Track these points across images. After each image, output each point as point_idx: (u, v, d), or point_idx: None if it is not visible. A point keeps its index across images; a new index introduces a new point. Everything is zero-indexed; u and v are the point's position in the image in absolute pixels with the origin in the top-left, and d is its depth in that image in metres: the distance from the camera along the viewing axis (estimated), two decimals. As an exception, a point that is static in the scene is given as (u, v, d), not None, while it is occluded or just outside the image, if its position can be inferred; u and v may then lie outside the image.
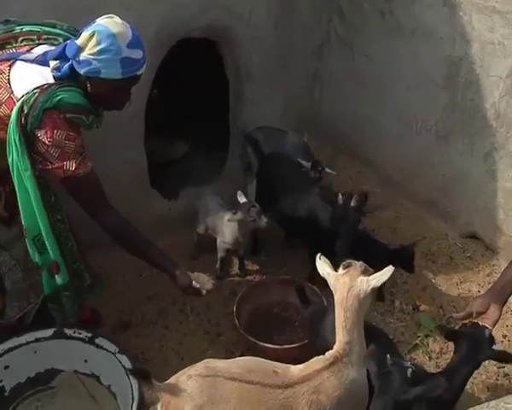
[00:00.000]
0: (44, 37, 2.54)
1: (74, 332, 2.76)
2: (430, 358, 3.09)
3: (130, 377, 2.57)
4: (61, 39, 2.53)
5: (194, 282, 2.69)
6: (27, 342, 2.72)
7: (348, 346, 2.20)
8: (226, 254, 3.54)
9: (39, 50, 2.47)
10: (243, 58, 4.00)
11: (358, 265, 2.26)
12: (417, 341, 3.17)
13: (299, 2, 4.13)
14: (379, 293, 3.33)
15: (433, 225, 4.03)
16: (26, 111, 2.27)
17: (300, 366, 2.27)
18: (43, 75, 2.38)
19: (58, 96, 2.31)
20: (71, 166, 2.37)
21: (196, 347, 3.13)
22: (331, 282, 2.27)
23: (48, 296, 2.75)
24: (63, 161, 2.36)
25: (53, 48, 2.46)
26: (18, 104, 2.29)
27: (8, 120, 2.33)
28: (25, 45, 2.51)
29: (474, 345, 2.30)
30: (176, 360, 3.04)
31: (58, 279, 2.66)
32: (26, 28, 2.54)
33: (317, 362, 2.23)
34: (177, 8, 3.42)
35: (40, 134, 2.31)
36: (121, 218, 2.62)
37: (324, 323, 2.66)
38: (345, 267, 2.26)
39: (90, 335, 2.76)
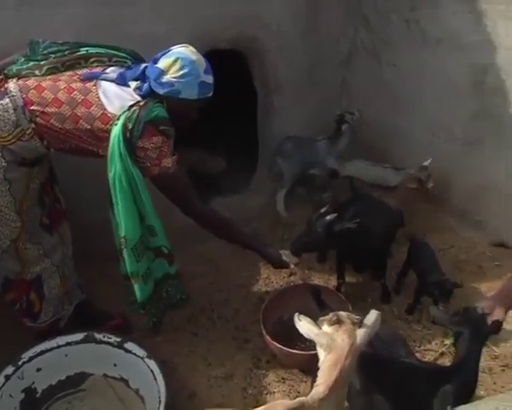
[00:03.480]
0: (114, 59, 2.74)
1: (104, 337, 2.84)
2: (457, 366, 3.06)
3: (158, 381, 2.64)
4: (129, 62, 2.75)
5: (283, 257, 3.06)
6: (59, 346, 2.80)
7: (321, 403, 1.98)
8: None
9: (112, 71, 2.67)
10: (271, 68, 4.06)
11: (346, 317, 2.12)
12: (444, 349, 3.14)
13: (325, 13, 4.16)
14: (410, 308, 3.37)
15: (462, 234, 4.02)
16: (130, 127, 2.47)
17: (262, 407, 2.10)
18: (129, 94, 2.60)
19: (155, 111, 2.54)
20: (168, 163, 2.59)
21: (224, 353, 3.16)
22: (323, 342, 2.07)
23: (140, 304, 2.87)
24: (161, 159, 2.57)
25: (123, 69, 2.68)
26: (121, 121, 2.48)
27: (101, 133, 2.54)
28: (97, 66, 2.70)
29: (477, 328, 2.32)
30: (203, 365, 3.09)
31: (171, 269, 2.93)
32: (92, 50, 2.73)
33: (280, 405, 2.04)
34: (207, 19, 3.52)
35: (141, 143, 2.52)
36: (211, 209, 2.96)
37: None
38: (333, 323, 2.10)
39: (119, 339, 2.83)
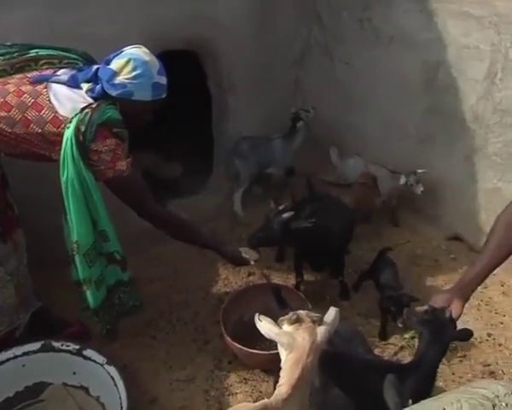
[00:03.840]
0: (65, 61, 2.70)
1: (62, 345, 2.77)
2: (417, 359, 3.10)
3: (119, 387, 2.60)
4: (80, 63, 2.71)
5: (243, 253, 3.07)
6: (15, 356, 2.73)
7: (284, 403, 1.96)
8: None
9: (63, 73, 2.62)
10: (225, 68, 4.04)
11: (306, 315, 2.13)
12: (403, 342, 3.19)
13: (279, 12, 4.17)
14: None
15: (417, 229, 4.10)
16: (83, 129, 2.43)
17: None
18: (81, 96, 2.55)
19: (107, 113, 2.50)
20: (122, 165, 2.56)
21: (184, 356, 3.13)
22: (284, 341, 2.06)
23: (93, 311, 2.84)
24: (115, 162, 2.54)
25: (74, 71, 2.63)
26: (73, 124, 2.43)
27: (53, 137, 2.49)
28: (47, 68, 2.64)
29: (438, 329, 2.31)
30: (164, 369, 3.05)
31: (124, 275, 2.90)
32: (42, 52, 2.68)
33: (243, 407, 2.04)
34: (161, 20, 3.48)
35: (94, 146, 2.48)
36: (166, 210, 2.96)
37: None
38: (292, 322, 2.10)
39: (77, 347, 2.77)
